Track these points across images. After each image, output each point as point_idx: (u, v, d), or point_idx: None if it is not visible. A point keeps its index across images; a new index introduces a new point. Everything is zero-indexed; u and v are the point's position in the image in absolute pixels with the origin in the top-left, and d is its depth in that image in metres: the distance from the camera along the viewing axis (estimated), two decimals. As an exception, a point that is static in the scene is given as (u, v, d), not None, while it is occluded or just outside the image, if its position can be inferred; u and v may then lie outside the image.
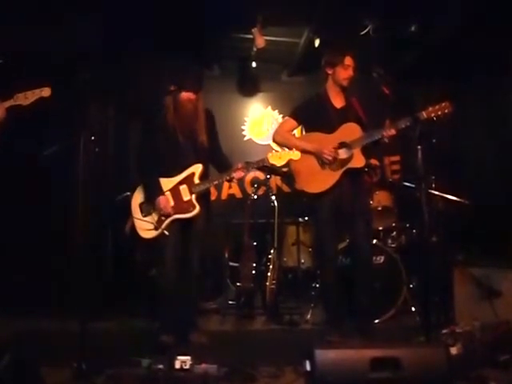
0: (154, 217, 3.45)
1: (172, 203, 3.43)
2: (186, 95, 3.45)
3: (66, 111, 4.54)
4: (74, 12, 4.25)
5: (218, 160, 3.65)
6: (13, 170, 4.40)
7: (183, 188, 3.45)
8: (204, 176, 3.49)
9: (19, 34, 4.35)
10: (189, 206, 3.43)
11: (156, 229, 3.41)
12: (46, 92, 2.98)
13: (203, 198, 3.52)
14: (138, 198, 3.54)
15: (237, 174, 3.42)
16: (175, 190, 3.46)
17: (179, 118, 3.49)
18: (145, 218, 3.46)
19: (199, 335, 3.49)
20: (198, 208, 3.42)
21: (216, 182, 3.52)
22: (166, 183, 3.47)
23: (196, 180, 3.45)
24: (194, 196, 3.43)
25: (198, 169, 3.46)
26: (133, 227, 3.50)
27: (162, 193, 3.43)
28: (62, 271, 4.13)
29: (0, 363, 2.30)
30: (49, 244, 4.52)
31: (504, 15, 4.15)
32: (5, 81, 3.71)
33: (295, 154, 3.29)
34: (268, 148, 5.73)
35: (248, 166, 3.44)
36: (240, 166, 3.42)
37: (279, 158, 3.32)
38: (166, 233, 3.40)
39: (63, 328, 3.59)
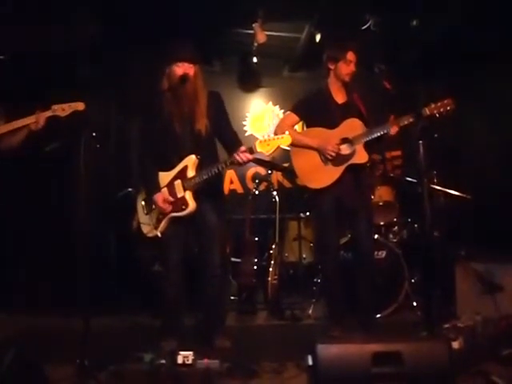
0: (153, 215, 3.22)
1: (170, 200, 3.15)
2: (179, 69, 3.09)
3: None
4: (74, 9, 4.25)
5: (227, 143, 3.28)
6: (13, 166, 4.41)
7: (177, 183, 3.14)
8: (200, 168, 3.14)
9: (19, 33, 4.35)
10: (182, 203, 3.12)
11: (155, 228, 3.20)
12: (80, 106, 3.21)
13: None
14: (142, 193, 3.33)
15: (240, 157, 2.98)
16: (171, 186, 3.16)
17: (176, 101, 3.13)
18: (146, 216, 3.26)
19: (223, 340, 3.24)
20: (191, 205, 3.11)
21: (208, 176, 3.09)
22: (164, 178, 3.19)
23: (189, 174, 3.12)
24: (187, 192, 3.12)
25: (190, 161, 3.13)
26: (139, 224, 3.33)
27: (158, 188, 3.16)
28: (64, 268, 4.13)
29: (3, 360, 2.31)
30: (50, 240, 4.52)
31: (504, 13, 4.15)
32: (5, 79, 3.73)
33: (284, 140, 2.91)
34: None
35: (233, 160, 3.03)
36: (242, 149, 3.01)
37: (267, 145, 2.91)
38: (159, 234, 3.17)
39: (66, 324, 3.59)
